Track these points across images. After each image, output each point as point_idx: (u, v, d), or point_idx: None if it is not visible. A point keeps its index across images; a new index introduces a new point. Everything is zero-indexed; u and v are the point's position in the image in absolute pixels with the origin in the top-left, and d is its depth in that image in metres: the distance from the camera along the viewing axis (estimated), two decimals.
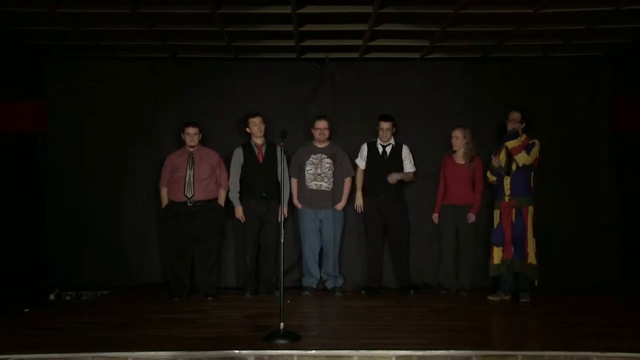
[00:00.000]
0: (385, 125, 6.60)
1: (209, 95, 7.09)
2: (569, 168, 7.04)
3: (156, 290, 6.72)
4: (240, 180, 6.59)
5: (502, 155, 6.28)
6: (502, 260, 6.21)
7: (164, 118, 7.08)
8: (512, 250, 6.13)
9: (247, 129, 6.60)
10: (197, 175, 6.40)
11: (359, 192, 6.73)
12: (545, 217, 6.94)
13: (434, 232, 6.80)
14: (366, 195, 6.72)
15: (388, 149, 6.68)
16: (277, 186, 6.55)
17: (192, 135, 6.46)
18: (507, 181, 6.23)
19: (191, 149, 6.49)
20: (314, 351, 4.17)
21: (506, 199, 6.20)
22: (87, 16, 5.90)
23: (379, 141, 6.70)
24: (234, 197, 6.55)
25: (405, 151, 6.70)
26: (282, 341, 4.35)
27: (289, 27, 6.09)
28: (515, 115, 6.36)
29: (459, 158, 6.64)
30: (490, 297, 6.26)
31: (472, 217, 6.60)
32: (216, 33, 6.25)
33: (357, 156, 6.78)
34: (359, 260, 6.88)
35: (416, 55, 7.04)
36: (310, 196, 6.62)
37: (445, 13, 5.74)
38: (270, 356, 4.13)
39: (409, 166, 6.68)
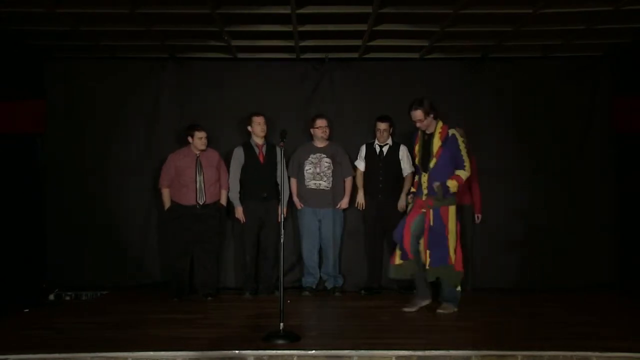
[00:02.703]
0: (382, 125, 6.60)
1: (209, 95, 7.09)
2: (569, 168, 7.05)
3: (156, 290, 6.72)
4: (240, 180, 6.58)
5: (417, 150, 5.65)
6: (405, 261, 5.59)
7: (163, 118, 7.08)
8: (430, 254, 5.47)
9: (249, 128, 6.59)
10: (207, 181, 6.40)
11: (360, 191, 6.73)
12: (545, 217, 6.98)
13: None
14: (365, 195, 6.72)
15: (385, 149, 6.68)
16: (277, 187, 6.55)
17: (203, 139, 6.44)
18: (424, 178, 5.56)
19: (198, 152, 6.47)
20: (313, 351, 4.17)
21: (423, 197, 5.55)
22: (86, 16, 5.89)
23: (376, 142, 6.71)
24: (234, 197, 6.55)
25: (403, 151, 6.70)
26: (281, 341, 4.35)
27: (288, 27, 6.09)
28: (417, 114, 5.48)
29: None
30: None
31: (479, 217, 6.62)
32: (216, 33, 6.25)
33: (357, 157, 6.78)
34: (358, 260, 6.88)
35: (416, 56, 7.04)
36: (309, 195, 6.62)
37: (445, 13, 5.74)
38: (270, 356, 4.13)
39: (407, 167, 6.67)
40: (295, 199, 6.68)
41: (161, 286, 6.76)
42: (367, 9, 5.61)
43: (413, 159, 5.85)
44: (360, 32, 6.24)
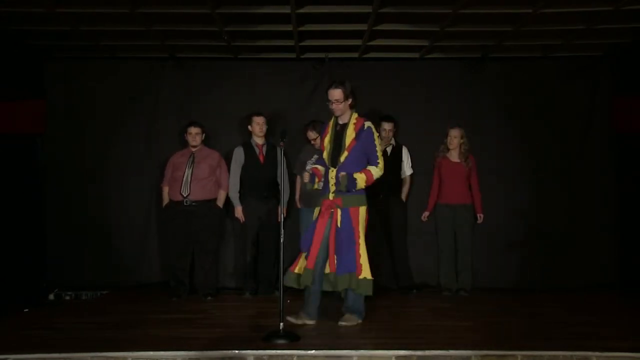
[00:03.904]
0: (387, 126, 6.60)
1: (209, 95, 7.09)
2: (569, 168, 7.05)
3: (156, 290, 6.72)
4: (240, 180, 6.59)
5: (327, 142, 5.06)
6: (304, 270, 4.92)
7: (163, 118, 7.09)
8: (337, 260, 4.88)
9: (249, 127, 6.59)
10: (196, 175, 6.39)
11: None
12: (545, 217, 6.98)
13: (434, 232, 6.79)
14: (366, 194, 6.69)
15: (388, 149, 6.67)
16: (277, 187, 6.55)
17: (193, 135, 6.46)
18: (332, 174, 4.96)
19: (193, 149, 6.49)
20: (313, 351, 4.16)
21: (330, 196, 4.94)
22: (86, 16, 5.90)
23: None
24: (234, 196, 6.55)
25: (405, 153, 6.71)
26: (281, 341, 4.35)
27: (288, 27, 6.09)
28: (336, 93, 4.93)
29: (455, 157, 6.64)
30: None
31: (481, 217, 6.62)
32: (216, 33, 6.25)
33: None
34: None
35: (416, 55, 7.04)
36: (307, 195, 6.62)
37: (445, 13, 5.74)
38: (270, 356, 4.13)
39: (406, 168, 6.68)
40: (297, 198, 6.69)
41: (161, 286, 6.76)
42: (367, 9, 5.61)
43: (321, 152, 5.16)
44: (360, 32, 6.24)
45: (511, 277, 6.97)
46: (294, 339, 4.41)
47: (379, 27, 6.14)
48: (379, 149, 4.96)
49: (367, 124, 4.97)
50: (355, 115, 5.03)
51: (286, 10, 5.62)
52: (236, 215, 6.56)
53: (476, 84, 7.14)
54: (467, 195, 6.63)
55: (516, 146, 7.07)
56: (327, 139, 5.07)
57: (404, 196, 6.70)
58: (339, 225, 4.88)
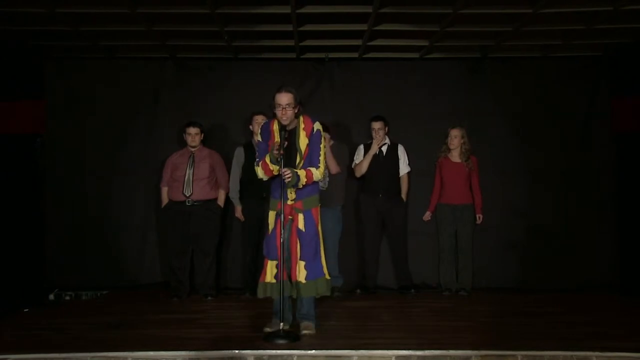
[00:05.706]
0: (376, 125, 6.58)
1: (209, 95, 7.09)
2: (569, 168, 7.04)
3: (156, 290, 6.72)
4: (240, 180, 6.59)
5: (277, 139, 4.67)
6: (275, 279, 4.63)
7: (163, 118, 7.09)
8: (306, 266, 4.62)
9: (250, 127, 6.59)
10: (196, 175, 6.39)
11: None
12: (545, 217, 6.98)
13: (434, 232, 6.79)
14: (364, 194, 6.71)
15: (384, 149, 6.67)
16: None
17: (192, 135, 6.46)
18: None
19: (192, 149, 6.49)
20: (313, 351, 4.17)
21: (289, 202, 4.65)
22: (86, 16, 5.90)
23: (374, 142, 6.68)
24: (234, 196, 6.55)
25: (401, 151, 6.70)
26: (281, 341, 4.35)
27: (288, 27, 6.09)
28: (285, 98, 4.64)
29: (456, 157, 6.64)
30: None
31: (480, 218, 6.62)
32: (216, 33, 6.25)
33: (354, 157, 6.74)
34: (355, 260, 6.87)
35: (416, 55, 7.04)
36: None
37: (445, 13, 5.74)
38: (270, 356, 4.13)
39: (403, 167, 6.68)
40: None
41: (161, 286, 6.77)
42: (367, 9, 5.61)
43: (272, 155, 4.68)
44: (360, 32, 6.24)
45: (511, 277, 6.97)
46: (294, 339, 4.41)
47: (379, 27, 6.13)
48: (322, 152, 4.68)
49: (316, 126, 4.70)
50: (301, 117, 4.73)
51: (286, 10, 5.62)
52: (236, 214, 6.57)
53: (476, 84, 7.14)
54: (469, 196, 6.64)
55: (516, 146, 7.07)
56: (277, 137, 4.68)
57: (403, 195, 6.69)
58: (303, 229, 4.63)
